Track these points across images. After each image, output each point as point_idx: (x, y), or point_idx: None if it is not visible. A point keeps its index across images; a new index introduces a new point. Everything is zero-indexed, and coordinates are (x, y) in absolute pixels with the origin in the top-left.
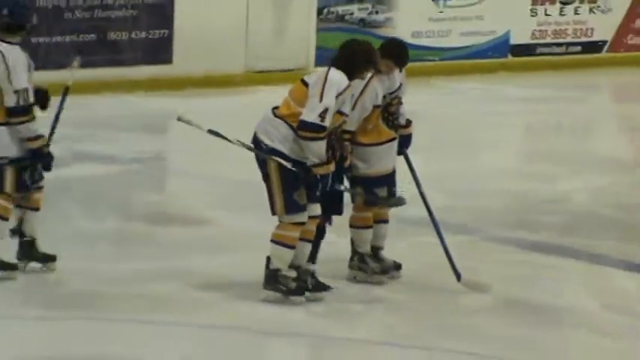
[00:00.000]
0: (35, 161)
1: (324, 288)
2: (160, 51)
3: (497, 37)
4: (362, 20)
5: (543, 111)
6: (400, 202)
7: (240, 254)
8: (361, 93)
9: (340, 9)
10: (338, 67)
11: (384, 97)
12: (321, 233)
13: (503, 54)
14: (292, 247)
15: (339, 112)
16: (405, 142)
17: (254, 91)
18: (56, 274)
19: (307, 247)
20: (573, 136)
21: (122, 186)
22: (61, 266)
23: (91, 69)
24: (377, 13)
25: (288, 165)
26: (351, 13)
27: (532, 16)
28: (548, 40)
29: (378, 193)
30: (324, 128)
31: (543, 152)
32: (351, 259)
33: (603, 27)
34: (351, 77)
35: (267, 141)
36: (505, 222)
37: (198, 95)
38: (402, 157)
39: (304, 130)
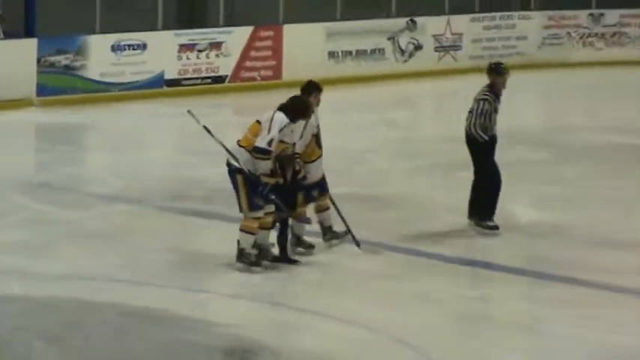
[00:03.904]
0: None
1: (291, 261)
2: None
3: (156, 74)
4: (66, 66)
5: (195, 125)
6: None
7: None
8: (304, 128)
9: (52, 58)
10: (285, 112)
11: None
12: (284, 224)
13: (160, 85)
14: (253, 234)
15: (282, 142)
16: None
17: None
18: None
19: (267, 233)
20: (206, 138)
21: None
22: None
23: None
24: (77, 61)
25: (249, 174)
26: (59, 61)
27: (179, 60)
28: (189, 75)
29: (314, 194)
30: (270, 152)
31: (188, 149)
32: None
33: (225, 66)
34: (293, 120)
35: (235, 162)
36: (165, 195)
37: None
38: None
39: (257, 152)
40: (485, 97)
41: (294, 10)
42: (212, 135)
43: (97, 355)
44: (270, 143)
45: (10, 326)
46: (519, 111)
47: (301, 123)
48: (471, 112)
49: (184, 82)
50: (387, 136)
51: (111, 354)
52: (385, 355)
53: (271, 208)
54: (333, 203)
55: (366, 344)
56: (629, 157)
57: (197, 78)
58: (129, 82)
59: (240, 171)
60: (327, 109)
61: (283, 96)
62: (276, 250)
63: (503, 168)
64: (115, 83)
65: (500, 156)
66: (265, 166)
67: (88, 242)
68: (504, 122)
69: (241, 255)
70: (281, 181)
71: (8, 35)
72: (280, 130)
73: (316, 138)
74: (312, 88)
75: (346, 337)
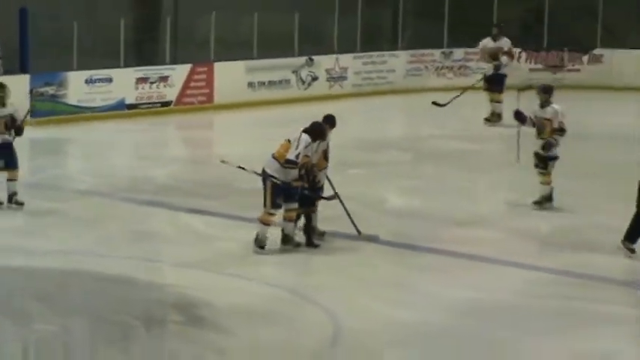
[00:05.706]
0: None
1: (314, 245)
2: None
3: (119, 100)
4: (52, 95)
5: (148, 138)
6: (334, 198)
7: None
8: (318, 145)
9: (41, 89)
10: (308, 134)
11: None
12: (300, 217)
13: (123, 109)
14: (268, 225)
15: (306, 156)
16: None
17: None
18: None
19: (291, 225)
20: (156, 147)
21: None
22: None
23: None
24: (60, 91)
25: (279, 182)
26: (47, 91)
27: (136, 89)
28: (144, 100)
29: (320, 194)
30: (297, 163)
31: (142, 155)
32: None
33: (171, 93)
34: (314, 140)
35: (269, 171)
36: (126, 190)
37: None
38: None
39: (287, 163)
40: None
41: (222, 51)
42: (247, 170)
43: (77, 310)
44: (297, 156)
45: (11, 290)
46: (388, 124)
47: (317, 142)
48: None
49: (140, 106)
50: None
51: (88, 308)
52: (292, 307)
53: (295, 205)
54: (340, 200)
55: (278, 299)
56: (470, 157)
57: (150, 103)
58: (99, 106)
59: (271, 179)
60: (249, 125)
61: (215, 115)
62: (299, 237)
63: (376, 168)
64: (89, 107)
65: (373, 158)
66: (294, 173)
67: (71, 226)
68: (378, 133)
69: (256, 239)
70: (306, 185)
71: (7, 72)
72: (305, 147)
73: (324, 153)
74: (328, 120)
75: (265, 295)
